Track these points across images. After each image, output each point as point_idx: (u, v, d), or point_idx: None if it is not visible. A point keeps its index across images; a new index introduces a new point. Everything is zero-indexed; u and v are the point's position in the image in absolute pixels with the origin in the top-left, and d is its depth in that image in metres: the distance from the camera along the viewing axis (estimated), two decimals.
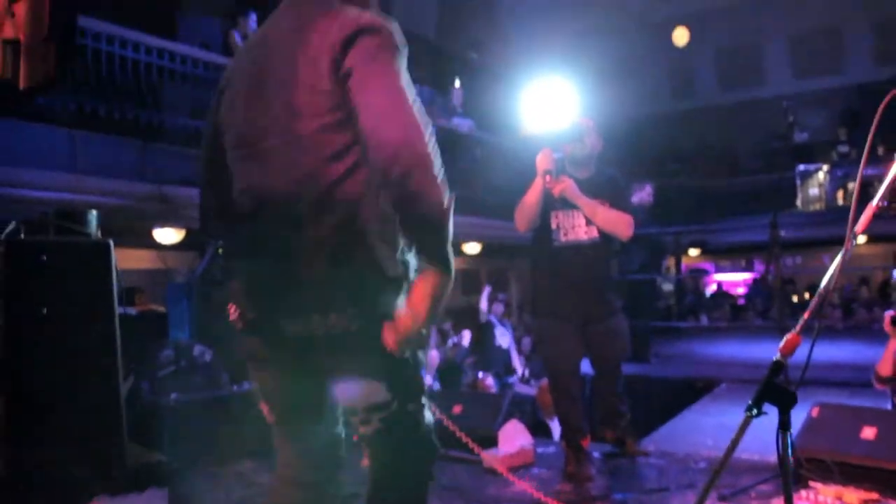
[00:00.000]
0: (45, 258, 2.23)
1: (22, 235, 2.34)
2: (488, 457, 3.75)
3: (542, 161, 3.54)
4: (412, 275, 1.70)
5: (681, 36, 13.25)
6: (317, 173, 1.58)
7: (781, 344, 1.38)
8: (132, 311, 5.32)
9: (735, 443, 1.40)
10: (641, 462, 3.87)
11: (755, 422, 3.68)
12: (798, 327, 1.37)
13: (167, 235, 6.84)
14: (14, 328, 2.22)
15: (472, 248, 11.28)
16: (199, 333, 5.17)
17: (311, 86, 1.57)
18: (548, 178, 3.50)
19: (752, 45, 15.10)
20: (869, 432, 3.20)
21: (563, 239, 3.62)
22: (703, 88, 15.95)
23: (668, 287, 13.27)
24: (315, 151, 1.58)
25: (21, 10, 1.71)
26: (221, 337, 4.88)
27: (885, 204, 1.41)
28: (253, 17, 7.21)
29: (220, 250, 5.64)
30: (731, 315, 12.87)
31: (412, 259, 1.70)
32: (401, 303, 1.64)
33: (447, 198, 1.52)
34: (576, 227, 3.63)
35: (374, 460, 1.76)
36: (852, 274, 14.96)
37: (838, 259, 1.39)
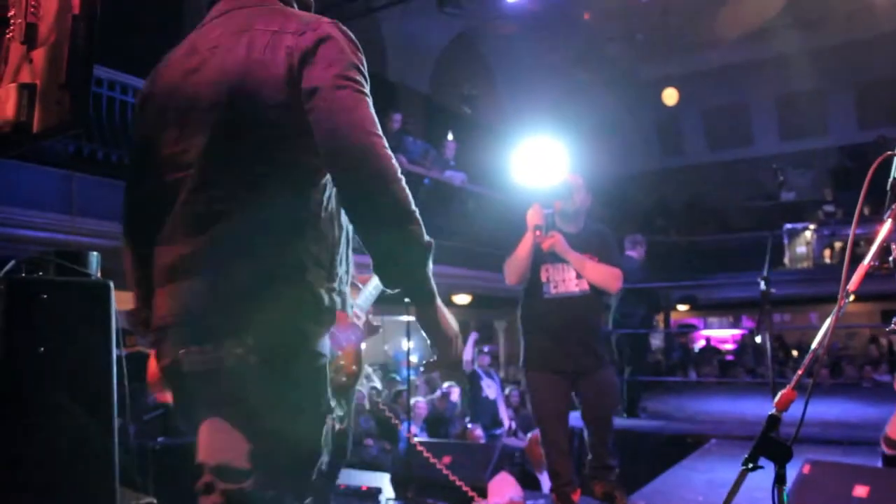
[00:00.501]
0: (45, 297, 2.23)
1: (23, 274, 2.35)
2: None
3: (532, 216, 3.61)
4: (349, 310, 1.54)
5: (670, 96, 13.55)
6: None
7: (776, 399, 1.40)
8: (121, 352, 5.29)
9: (731, 497, 1.41)
10: None
11: (748, 477, 3.65)
12: (793, 382, 1.40)
13: None
14: (11, 366, 2.22)
15: (461, 299, 11.31)
16: None
17: (254, 95, 1.40)
18: (538, 232, 3.57)
19: (739, 106, 15.46)
20: (861, 490, 3.19)
21: (553, 292, 3.66)
22: (691, 147, 16.26)
23: (656, 342, 13.29)
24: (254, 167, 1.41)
25: (39, 56, 1.76)
26: None
27: (876, 263, 1.45)
28: None
29: None
30: (720, 371, 12.87)
31: (348, 291, 1.53)
32: (324, 343, 1.42)
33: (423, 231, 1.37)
34: (566, 280, 3.67)
35: None
36: (840, 331, 15.04)
37: (832, 317, 1.43)
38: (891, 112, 13.76)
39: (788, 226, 12.98)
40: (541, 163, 3.76)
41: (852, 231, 1.47)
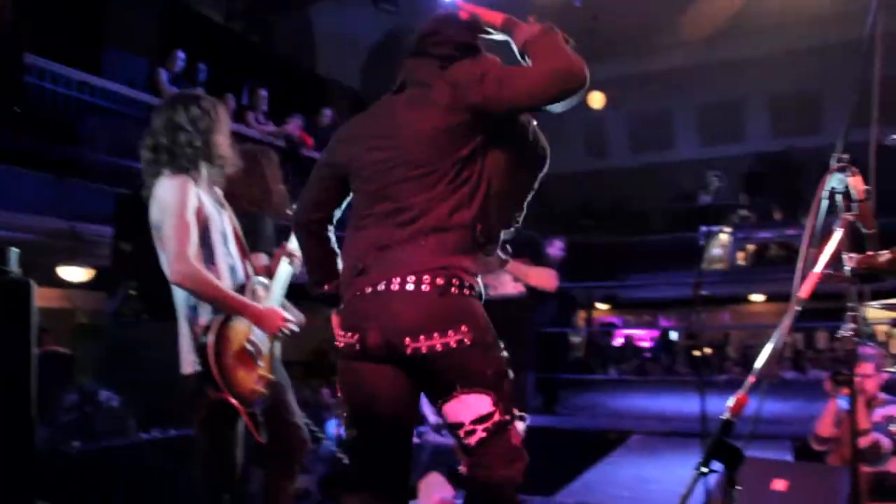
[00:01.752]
0: None
1: None
2: None
3: None
4: None
5: (596, 99, 13.77)
6: None
7: (731, 403, 1.43)
8: (35, 351, 5.03)
9: (685, 500, 1.43)
10: None
11: (667, 477, 3.77)
12: (746, 387, 1.43)
13: (75, 273, 6.55)
14: None
15: None
16: (106, 377, 4.93)
17: None
18: None
19: (662, 111, 15.88)
20: (780, 484, 3.30)
21: (491, 294, 3.73)
22: (616, 149, 16.62)
23: (577, 340, 13.53)
24: None
25: None
26: (130, 381, 4.67)
27: (830, 272, 1.50)
28: (181, 56, 7.08)
29: (132, 292, 5.40)
30: (639, 368, 13.21)
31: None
32: None
33: None
34: (504, 283, 3.78)
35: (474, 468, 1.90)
36: (748, 332, 15.74)
37: (786, 320, 1.46)
38: (802, 124, 14.42)
39: (705, 228, 13.40)
40: None
41: (806, 237, 1.50)
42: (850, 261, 1.48)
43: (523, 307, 3.86)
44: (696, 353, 14.74)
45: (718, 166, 15.55)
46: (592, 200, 16.11)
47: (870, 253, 1.47)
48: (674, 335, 16.26)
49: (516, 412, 1.96)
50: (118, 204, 5.44)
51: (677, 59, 13.88)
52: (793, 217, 13.65)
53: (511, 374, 1.99)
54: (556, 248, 7.87)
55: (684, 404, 6.86)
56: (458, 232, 1.92)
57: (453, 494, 4.04)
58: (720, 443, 1.41)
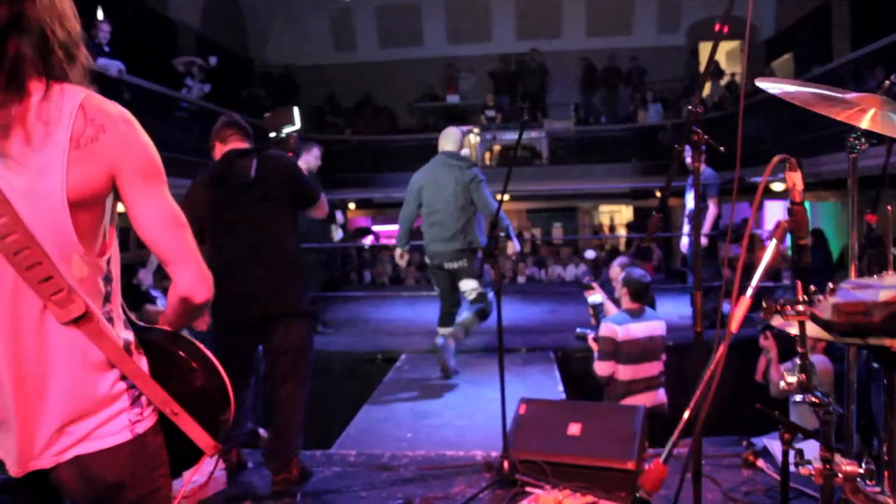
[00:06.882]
0: None
1: None
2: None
3: None
4: None
5: None
6: None
7: (644, 477, 1.11)
8: None
9: None
10: (346, 472, 3.56)
11: (446, 410, 3.50)
12: (664, 456, 1.12)
13: None
14: None
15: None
16: None
17: None
18: None
19: (411, 6, 15.41)
20: (574, 428, 3.23)
21: None
22: (364, 44, 15.97)
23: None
24: None
25: None
26: None
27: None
28: None
29: None
30: (393, 272, 13.16)
31: None
32: None
33: None
34: None
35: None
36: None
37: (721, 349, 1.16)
38: (545, 27, 14.80)
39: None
40: None
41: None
42: (826, 311, 1.15)
43: None
44: None
45: (465, 66, 15.66)
46: (339, 95, 15.51)
47: (858, 301, 1.13)
48: None
49: None
50: None
51: None
52: (534, 119, 14.18)
53: None
54: (313, 157, 7.31)
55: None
56: None
57: (223, 468, 3.54)
58: None
